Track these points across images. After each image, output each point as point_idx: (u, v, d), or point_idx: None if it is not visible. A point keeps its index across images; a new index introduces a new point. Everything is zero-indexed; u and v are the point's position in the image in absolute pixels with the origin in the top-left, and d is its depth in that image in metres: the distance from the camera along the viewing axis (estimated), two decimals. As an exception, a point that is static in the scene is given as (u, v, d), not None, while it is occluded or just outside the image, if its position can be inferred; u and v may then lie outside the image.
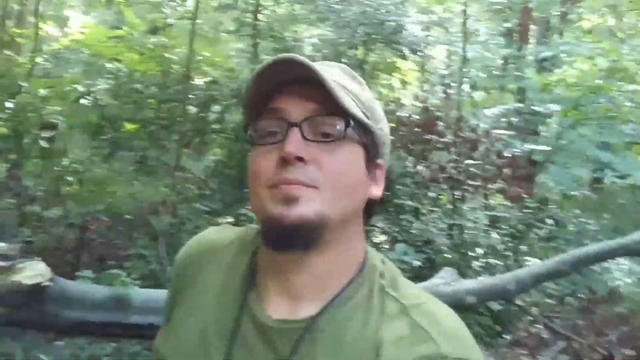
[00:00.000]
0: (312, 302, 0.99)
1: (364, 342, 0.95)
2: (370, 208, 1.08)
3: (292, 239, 0.94)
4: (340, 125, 0.99)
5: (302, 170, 0.95)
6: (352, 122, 1.00)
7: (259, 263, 1.06)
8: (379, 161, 1.09)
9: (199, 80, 8.38)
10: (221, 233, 1.19)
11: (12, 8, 9.98)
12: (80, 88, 8.47)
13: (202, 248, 1.16)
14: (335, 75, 1.04)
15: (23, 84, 7.80)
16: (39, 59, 9.03)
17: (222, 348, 1.00)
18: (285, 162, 0.96)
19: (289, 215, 0.93)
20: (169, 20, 9.86)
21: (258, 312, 1.00)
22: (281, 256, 0.99)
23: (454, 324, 0.97)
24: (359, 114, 1.00)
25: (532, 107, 9.66)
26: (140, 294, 3.33)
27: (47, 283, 2.79)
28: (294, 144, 0.96)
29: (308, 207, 0.95)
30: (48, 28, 9.57)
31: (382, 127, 1.09)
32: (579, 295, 6.22)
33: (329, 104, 0.98)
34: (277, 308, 1.00)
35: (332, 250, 1.00)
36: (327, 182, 0.96)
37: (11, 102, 7.28)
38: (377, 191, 1.07)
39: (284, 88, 1.02)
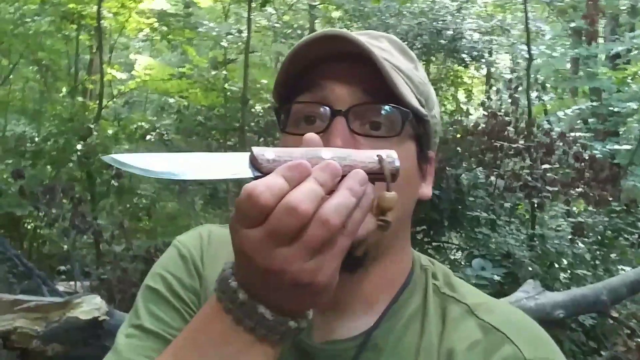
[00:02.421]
0: (362, 318, 0.89)
1: (428, 352, 0.85)
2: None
3: None
4: (395, 119, 0.84)
5: None
6: (409, 115, 0.85)
7: None
8: (430, 153, 0.93)
9: (258, 108, 8.40)
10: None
11: (84, 58, 10.43)
12: (146, 125, 8.69)
13: (217, 241, 1.00)
14: (386, 52, 0.88)
15: (92, 126, 8.05)
16: (107, 102, 9.33)
17: None
18: None
19: None
20: (229, 56, 10.05)
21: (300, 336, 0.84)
22: None
23: (525, 320, 0.89)
24: (415, 103, 0.85)
25: (609, 108, 9.15)
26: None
27: (104, 317, 2.71)
28: (342, 137, 0.82)
29: None
30: (116, 73, 9.91)
31: (436, 114, 0.94)
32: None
33: (379, 87, 0.82)
34: (321, 329, 0.88)
35: (382, 263, 0.89)
36: None
37: (81, 143, 7.50)
38: (427, 190, 0.94)
39: (323, 64, 0.86)
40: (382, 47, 0.89)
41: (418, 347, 0.85)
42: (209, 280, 0.93)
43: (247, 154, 0.71)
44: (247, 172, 0.69)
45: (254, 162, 0.69)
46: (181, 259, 0.97)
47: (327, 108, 0.84)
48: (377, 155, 0.72)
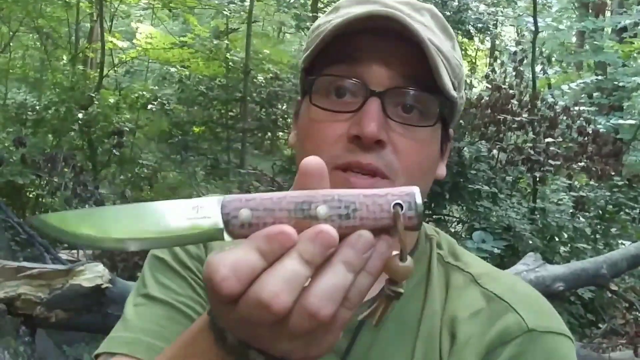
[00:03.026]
0: None
1: (431, 320, 0.84)
2: None
3: None
4: (432, 108, 0.81)
5: (378, 154, 0.78)
6: (445, 105, 0.82)
7: None
8: (450, 132, 0.92)
9: (260, 78, 8.33)
10: None
11: (85, 26, 10.32)
12: (147, 95, 8.64)
13: None
14: (428, 29, 0.83)
15: (93, 95, 8.01)
16: (108, 71, 9.26)
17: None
18: (360, 141, 0.77)
19: None
20: (231, 26, 9.94)
21: None
22: None
23: (528, 289, 0.88)
24: (450, 90, 0.81)
25: (614, 82, 9.07)
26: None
27: (106, 285, 2.72)
28: (377, 121, 0.77)
29: None
30: (117, 42, 9.82)
31: (464, 95, 0.92)
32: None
33: (421, 72, 0.78)
34: None
35: None
36: (402, 170, 0.79)
37: (82, 112, 7.47)
38: (442, 169, 0.91)
39: (362, 35, 0.81)
40: (425, 23, 0.84)
41: (421, 314, 0.85)
42: (214, 247, 0.93)
43: (217, 205, 0.56)
44: (217, 232, 0.56)
45: (225, 224, 0.56)
46: None
47: (363, 85, 0.80)
48: (394, 206, 0.56)
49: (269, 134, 10.11)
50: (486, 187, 5.91)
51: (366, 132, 0.76)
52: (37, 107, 7.84)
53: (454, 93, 0.82)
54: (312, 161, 0.57)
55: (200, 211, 0.57)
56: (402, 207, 0.56)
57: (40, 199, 7.05)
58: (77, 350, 4.07)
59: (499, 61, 7.11)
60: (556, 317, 0.85)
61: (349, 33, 0.80)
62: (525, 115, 6.03)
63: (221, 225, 0.56)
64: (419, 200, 0.57)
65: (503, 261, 5.41)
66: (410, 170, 0.80)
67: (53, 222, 0.57)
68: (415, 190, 0.57)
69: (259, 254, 0.53)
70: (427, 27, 0.84)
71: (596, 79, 8.27)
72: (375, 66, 0.80)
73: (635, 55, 7.82)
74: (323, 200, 0.55)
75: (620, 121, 7.64)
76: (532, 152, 5.87)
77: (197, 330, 0.65)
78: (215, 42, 8.74)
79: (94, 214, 0.58)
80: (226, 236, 0.56)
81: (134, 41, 10.21)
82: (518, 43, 7.35)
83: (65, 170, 5.15)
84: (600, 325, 5.20)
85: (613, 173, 6.08)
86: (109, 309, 2.83)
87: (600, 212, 6.16)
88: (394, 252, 0.57)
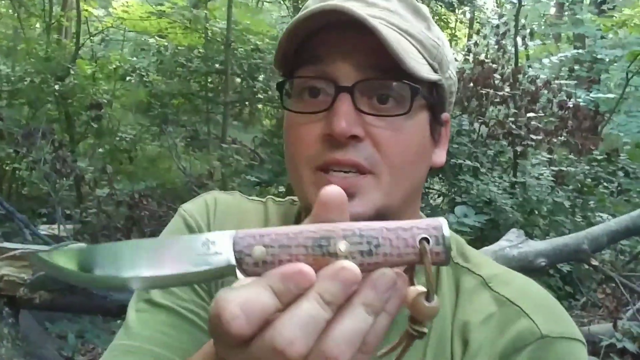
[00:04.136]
0: None
1: (441, 324, 0.83)
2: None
3: None
4: (404, 94, 0.78)
5: (355, 149, 0.76)
6: (420, 90, 0.79)
7: None
8: (444, 116, 0.88)
9: (241, 50, 8.19)
10: (241, 201, 0.99)
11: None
12: (125, 65, 8.47)
13: (222, 209, 0.96)
14: (395, 15, 0.81)
15: (69, 65, 7.83)
16: (83, 40, 9.04)
17: None
18: (333, 139, 0.76)
19: None
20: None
21: None
22: None
23: (541, 293, 0.87)
24: (425, 73, 0.78)
25: (593, 55, 9.10)
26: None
27: (91, 265, 2.69)
28: (347, 118, 0.75)
29: (366, 203, 0.77)
30: (92, 10, 9.56)
31: (451, 74, 0.88)
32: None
33: (387, 60, 0.75)
34: None
35: None
36: (386, 163, 0.77)
37: (59, 84, 7.30)
38: (440, 156, 0.89)
39: (325, 33, 0.79)
40: (390, 9, 0.83)
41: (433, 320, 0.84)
42: None
43: (229, 241, 0.52)
44: (229, 270, 0.52)
45: (238, 262, 0.52)
46: (188, 229, 0.93)
47: (331, 82, 0.78)
48: (420, 240, 0.52)
49: (249, 105, 10.02)
50: (468, 161, 5.93)
51: (336, 129, 0.75)
52: (12, 78, 7.63)
53: (430, 76, 0.80)
54: (332, 191, 0.54)
55: (211, 247, 0.53)
56: (428, 242, 0.52)
57: (17, 173, 6.94)
58: (59, 327, 4.06)
59: (481, 34, 7.07)
60: (569, 321, 0.84)
61: (315, 32, 0.79)
62: (507, 89, 6.04)
63: (233, 262, 0.52)
64: (446, 232, 0.53)
65: (483, 234, 5.48)
66: (393, 162, 0.78)
67: (58, 263, 0.53)
68: (443, 222, 0.54)
69: (272, 294, 0.50)
70: (394, 13, 0.82)
71: (577, 52, 8.29)
72: (340, 61, 0.78)
73: (615, 29, 7.84)
74: (343, 235, 0.51)
75: (600, 95, 7.69)
76: (513, 126, 5.90)
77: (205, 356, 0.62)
78: (194, 11, 8.54)
79: (94, 253, 0.54)
80: (239, 274, 0.52)
81: (110, 9, 9.95)
82: (501, 16, 7.31)
83: (42, 142, 5.05)
84: (577, 297, 5.31)
85: (593, 147, 6.15)
86: (94, 290, 2.81)
87: (579, 185, 6.23)
88: (420, 290, 0.53)
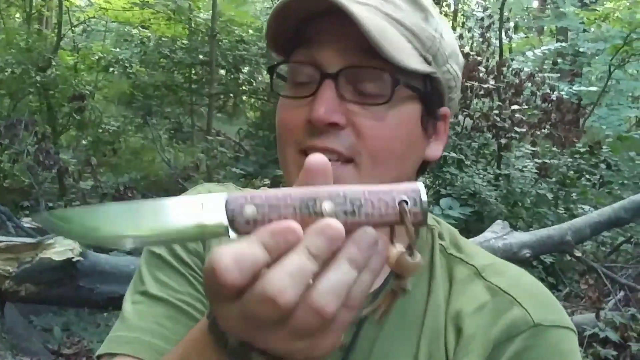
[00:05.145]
0: None
1: (435, 314, 0.84)
2: (423, 167, 0.89)
3: None
4: (385, 81, 0.77)
5: (335, 137, 0.76)
6: (400, 80, 0.77)
7: None
8: (442, 111, 0.87)
9: (225, 41, 8.14)
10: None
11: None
12: (108, 57, 8.38)
13: None
14: (388, 4, 0.80)
15: (51, 56, 7.72)
16: (65, 31, 8.92)
17: None
18: (313, 126, 0.76)
19: None
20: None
21: None
22: None
23: (533, 282, 0.87)
24: (412, 64, 0.77)
25: (575, 48, 9.18)
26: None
27: (77, 258, 2.67)
28: (327, 105, 0.75)
29: None
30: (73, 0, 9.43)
31: (450, 69, 0.86)
32: (635, 242, 5.90)
33: (372, 46, 0.74)
34: None
35: None
36: (367, 152, 0.77)
37: (40, 75, 7.20)
38: (436, 150, 0.88)
39: (319, 18, 0.79)
40: None
41: (425, 308, 0.84)
42: (212, 241, 0.90)
43: (222, 202, 0.55)
44: (222, 229, 0.55)
45: (230, 221, 0.55)
46: None
47: (317, 68, 0.78)
48: (399, 202, 0.55)
49: (233, 97, 9.97)
50: (452, 154, 5.97)
51: (314, 115, 0.75)
52: (-8, 69, 7.51)
53: (419, 67, 0.79)
54: (316, 158, 0.57)
55: (204, 207, 0.56)
56: (407, 203, 0.56)
57: (-1, 165, 6.84)
58: (44, 320, 4.02)
59: (467, 26, 7.10)
60: (560, 310, 0.85)
61: (305, 18, 0.79)
62: (492, 82, 6.08)
63: (226, 222, 0.55)
64: (424, 196, 0.56)
65: (468, 226, 5.52)
66: (375, 152, 0.78)
67: (54, 219, 0.57)
68: (420, 186, 0.57)
69: (263, 249, 0.52)
70: (388, 2, 0.81)
71: (560, 45, 8.35)
72: (327, 48, 0.78)
73: (598, 22, 7.91)
74: (328, 196, 0.55)
75: (582, 88, 7.76)
76: (497, 119, 5.94)
77: (197, 335, 0.64)
78: (177, 2, 8.47)
79: (93, 211, 0.57)
80: (231, 233, 0.55)
81: (92, -1, 9.81)
82: (485, 8, 7.34)
83: (26, 135, 4.99)
84: (560, 288, 5.38)
85: (576, 140, 6.22)
86: (81, 282, 2.80)
87: (562, 178, 6.30)
88: (402, 249, 0.56)
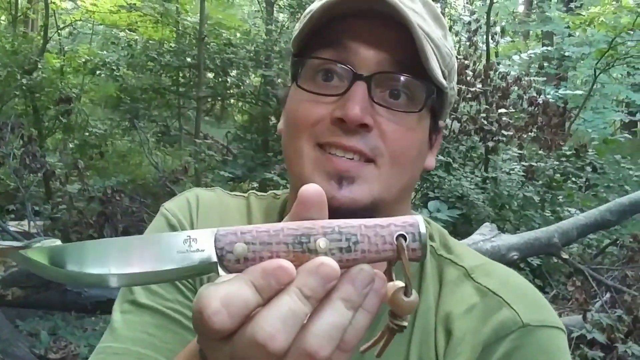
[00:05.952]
0: None
1: (426, 315, 0.84)
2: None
3: None
4: (419, 94, 0.80)
5: (362, 138, 0.78)
6: (434, 92, 0.81)
7: None
8: (440, 123, 0.91)
9: (214, 44, 8.13)
10: (223, 197, 0.99)
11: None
12: (95, 60, 8.33)
13: (205, 206, 0.95)
14: (419, 16, 0.82)
15: (37, 59, 7.66)
16: (52, 34, 8.86)
17: None
18: (344, 124, 0.77)
19: (340, 198, 0.77)
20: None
21: None
22: None
23: (522, 283, 0.88)
24: (440, 78, 0.80)
25: (561, 52, 9.25)
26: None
27: (65, 261, 2.65)
28: (361, 106, 0.76)
29: (364, 189, 0.78)
30: (60, 2, 9.36)
31: (454, 86, 0.90)
32: (621, 244, 5.95)
33: (409, 56, 0.77)
34: None
35: None
36: (387, 155, 0.79)
37: (26, 77, 7.15)
38: (431, 160, 0.91)
39: (350, 19, 0.80)
40: (416, 10, 0.83)
41: (415, 310, 0.84)
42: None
43: (211, 238, 0.53)
44: (211, 266, 0.53)
45: (219, 258, 0.52)
46: (170, 229, 0.92)
47: (350, 69, 0.79)
48: (397, 237, 0.53)
49: (221, 100, 9.95)
50: (440, 157, 5.99)
51: (350, 115, 0.76)
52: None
53: (442, 81, 0.81)
54: (311, 189, 0.54)
55: (192, 244, 0.53)
56: (405, 239, 0.53)
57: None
58: (30, 325, 3.98)
59: (454, 30, 7.14)
60: (549, 310, 0.86)
61: (340, 17, 0.79)
62: (479, 85, 6.12)
63: (215, 259, 0.53)
64: (423, 229, 0.54)
65: (456, 229, 5.55)
66: (396, 155, 0.80)
67: (35, 258, 0.53)
68: (419, 219, 0.55)
69: (253, 289, 0.50)
70: (418, 14, 0.83)
71: (546, 49, 8.43)
72: (362, 50, 0.79)
73: (583, 26, 8.00)
74: (323, 232, 0.52)
75: (568, 92, 7.83)
76: (485, 122, 5.98)
77: (188, 357, 0.63)
78: (165, 5, 8.44)
79: (76, 249, 0.54)
80: (221, 271, 0.53)
81: (78, 2, 9.75)
82: (472, 12, 7.39)
83: (12, 138, 4.94)
84: (547, 290, 5.41)
85: (562, 143, 6.27)
86: (68, 286, 2.77)
87: (549, 180, 6.35)
88: (399, 285, 0.55)
